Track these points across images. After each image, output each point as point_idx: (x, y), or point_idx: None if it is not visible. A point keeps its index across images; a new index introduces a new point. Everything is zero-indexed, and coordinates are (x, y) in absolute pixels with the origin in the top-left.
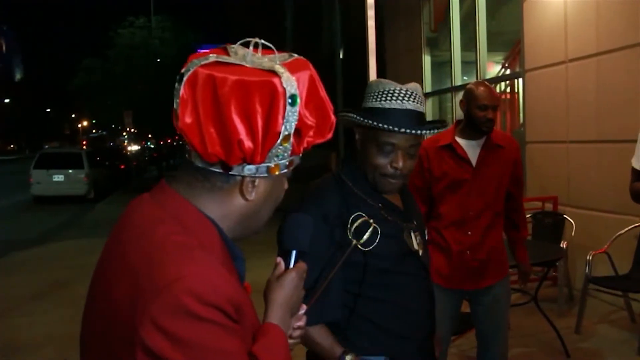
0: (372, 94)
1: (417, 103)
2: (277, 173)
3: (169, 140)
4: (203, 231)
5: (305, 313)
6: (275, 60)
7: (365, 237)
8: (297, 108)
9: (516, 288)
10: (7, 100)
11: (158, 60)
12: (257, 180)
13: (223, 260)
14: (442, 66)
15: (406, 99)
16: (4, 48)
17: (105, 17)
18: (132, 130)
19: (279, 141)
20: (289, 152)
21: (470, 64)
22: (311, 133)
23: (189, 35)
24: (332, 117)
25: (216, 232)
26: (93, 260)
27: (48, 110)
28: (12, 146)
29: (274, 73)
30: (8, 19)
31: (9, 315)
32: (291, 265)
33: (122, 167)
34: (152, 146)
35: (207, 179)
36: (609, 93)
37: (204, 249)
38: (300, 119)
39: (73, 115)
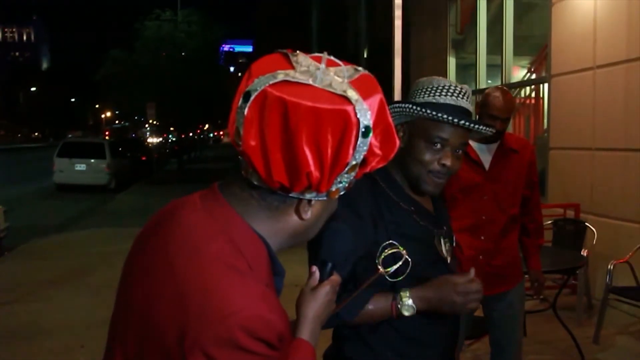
0: (425, 89)
1: (469, 102)
2: (336, 197)
3: (190, 134)
4: (252, 250)
5: (342, 310)
6: (344, 77)
7: (394, 267)
8: (369, 139)
9: (529, 295)
10: (33, 89)
11: (183, 53)
12: (313, 200)
13: (267, 279)
14: (467, 69)
15: (460, 96)
16: (32, 37)
17: (132, 9)
18: (155, 122)
19: (345, 171)
20: (353, 178)
21: (495, 68)
22: (378, 159)
23: (215, 29)
24: (397, 142)
25: (265, 250)
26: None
27: (73, 100)
28: (36, 134)
29: (347, 100)
30: (38, 9)
31: (28, 300)
32: (325, 278)
33: (144, 158)
34: (174, 139)
35: (263, 198)
36: (638, 101)
37: (252, 272)
38: (370, 149)
39: (97, 106)
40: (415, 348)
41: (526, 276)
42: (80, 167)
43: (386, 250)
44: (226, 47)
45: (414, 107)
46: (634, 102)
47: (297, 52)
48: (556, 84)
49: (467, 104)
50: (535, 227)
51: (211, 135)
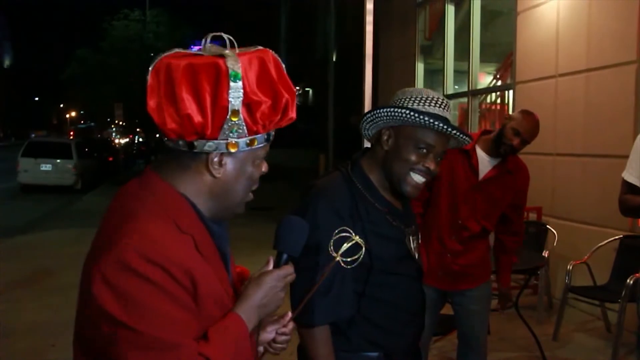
0: (414, 98)
1: (450, 115)
2: (236, 150)
3: (157, 135)
4: (178, 208)
5: (317, 310)
6: (235, 49)
7: (343, 248)
8: (239, 84)
9: (495, 294)
10: None
11: (152, 54)
12: (224, 159)
13: (195, 232)
14: (434, 74)
15: (445, 108)
16: None
17: (99, 8)
18: (121, 122)
19: (228, 116)
20: (245, 129)
21: (462, 74)
22: (264, 109)
23: (184, 30)
24: (286, 95)
25: (191, 209)
26: (80, 249)
27: (36, 98)
28: None
29: (221, 56)
30: None
31: None
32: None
33: (110, 159)
34: (141, 140)
35: (178, 159)
36: (597, 109)
37: (173, 223)
38: (247, 95)
39: (61, 105)
40: (389, 338)
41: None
42: (46, 167)
43: (339, 235)
44: (195, 48)
45: (410, 113)
46: (593, 109)
47: (212, 44)
48: (520, 91)
49: (449, 115)
50: (514, 247)
51: None
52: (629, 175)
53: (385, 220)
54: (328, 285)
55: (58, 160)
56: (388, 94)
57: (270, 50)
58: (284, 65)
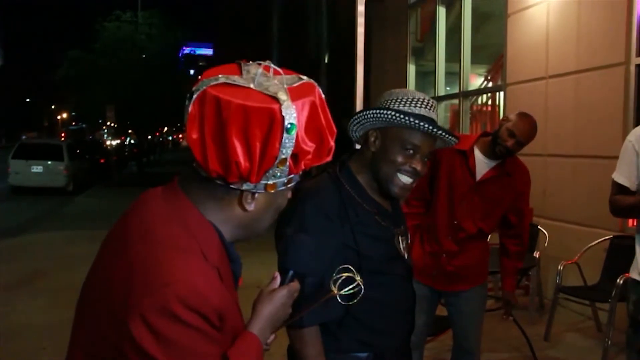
0: (400, 100)
1: (437, 115)
2: (274, 190)
3: (149, 137)
4: (204, 234)
5: (307, 312)
6: (283, 84)
7: (348, 291)
8: (293, 136)
9: (491, 295)
10: None
11: (144, 56)
12: (257, 194)
13: (220, 263)
14: (426, 76)
15: (432, 109)
16: None
17: (91, 9)
18: (113, 124)
19: (275, 164)
20: (287, 173)
21: (453, 75)
22: (309, 157)
23: (176, 32)
24: (331, 142)
25: (216, 235)
26: (71, 252)
27: (27, 100)
28: None
29: (275, 100)
30: None
31: None
32: (285, 284)
33: (102, 161)
34: (133, 142)
35: (211, 190)
36: (587, 110)
37: (202, 254)
38: (297, 145)
39: (53, 107)
40: (379, 338)
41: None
42: (37, 169)
43: (342, 274)
44: (187, 50)
45: (396, 114)
46: (583, 111)
47: (251, 62)
48: (511, 92)
49: (435, 115)
50: (518, 251)
51: (170, 138)
52: (619, 176)
53: (374, 220)
54: (317, 286)
55: (49, 162)
56: (379, 96)
57: (317, 87)
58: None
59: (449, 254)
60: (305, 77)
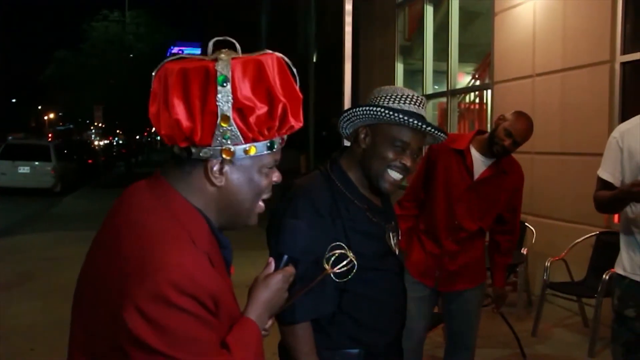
0: (389, 97)
1: (425, 112)
2: (230, 157)
3: (137, 137)
4: (191, 221)
5: (299, 307)
6: (232, 54)
7: (341, 268)
8: (228, 89)
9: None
10: None
11: (132, 55)
12: (225, 168)
13: (210, 249)
14: (414, 74)
15: (421, 106)
16: None
17: (79, 9)
18: (101, 124)
19: (218, 121)
20: (240, 136)
21: (441, 74)
22: (261, 116)
23: (164, 32)
24: (283, 100)
25: (204, 221)
26: (59, 253)
27: (14, 100)
28: None
29: (214, 60)
30: None
31: None
32: (280, 269)
33: (90, 161)
34: (121, 142)
35: (181, 166)
36: (573, 108)
37: (192, 241)
38: (238, 100)
39: (40, 107)
40: (370, 334)
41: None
42: (24, 169)
43: (334, 251)
44: (175, 49)
45: (385, 111)
46: (569, 108)
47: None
48: (498, 90)
49: (424, 112)
50: (509, 247)
51: (158, 138)
52: (603, 172)
53: (365, 217)
54: (312, 269)
55: (36, 163)
56: (368, 94)
57: (278, 55)
58: (294, 71)
59: (451, 254)
60: (269, 52)
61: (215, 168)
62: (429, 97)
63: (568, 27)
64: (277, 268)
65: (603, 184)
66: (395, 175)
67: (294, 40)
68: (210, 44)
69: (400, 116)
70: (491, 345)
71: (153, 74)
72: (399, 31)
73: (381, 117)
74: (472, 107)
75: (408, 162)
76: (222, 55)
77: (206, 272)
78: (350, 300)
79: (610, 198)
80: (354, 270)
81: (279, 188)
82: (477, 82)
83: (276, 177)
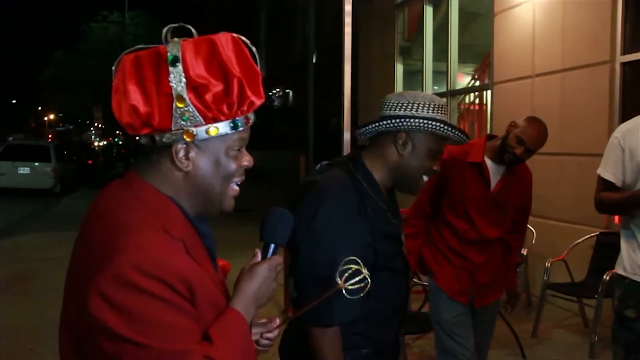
0: (427, 106)
1: None
2: (192, 139)
3: (137, 137)
4: (164, 209)
5: (338, 309)
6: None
7: (354, 285)
8: (179, 68)
9: None
10: None
11: None
12: (190, 152)
13: (186, 237)
14: (413, 75)
15: (445, 113)
16: None
17: (78, 9)
18: (100, 125)
19: (174, 103)
20: (198, 116)
21: (441, 74)
22: (217, 94)
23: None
24: (237, 75)
25: (177, 209)
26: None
27: (13, 101)
28: None
29: (165, 44)
30: None
31: None
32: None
33: (90, 162)
34: (120, 142)
35: (147, 156)
36: (573, 108)
37: (163, 228)
38: (191, 79)
39: (39, 108)
40: (379, 333)
41: None
42: (24, 170)
43: (349, 266)
44: None
45: (441, 126)
46: (569, 109)
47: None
48: (498, 91)
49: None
50: (518, 246)
51: None
52: (605, 172)
53: (386, 217)
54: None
55: (36, 164)
56: (367, 95)
57: (232, 34)
58: (253, 49)
59: (478, 267)
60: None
61: (181, 154)
62: None
63: (568, 28)
64: (264, 258)
65: (604, 184)
66: (424, 180)
67: (293, 41)
68: (164, 31)
69: (450, 130)
70: (491, 346)
71: (113, 68)
72: (398, 32)
73: (431, 128)
74: (471, 107)
75: (437, 166)
76: (174, 39)
77: (176, 257)
78: (366, 300)
79: (621, 200)
80: (367, 289)
81: (280, 190)
82: (477, 83)
83: (247, 160)
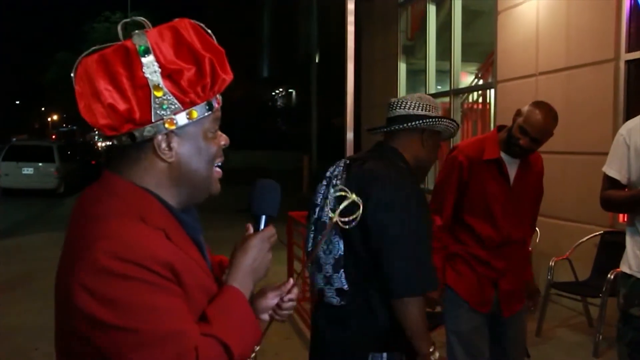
0: (438, 107)
1: None
2: (174, 127)
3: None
4: (139, 201)
5: (429, 277)
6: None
7: (340, 207)
8: (152, 58)
9: None
10: None
11: None
12: (172, 142)
13: (168, 227)
14: (417, 74)
15: None
16: None
17: (80, 10)
18: None
19: (152, 93)
20: (177, 103)
21: (444, 73)
22: (191, 77)
23: None
24: (208, 55)
25: (157, 202)
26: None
27: (17, 102)
28: None
29: (130, 38)
30: None
31: None
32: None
33: (93, 162)
34: None
35: (128, 154)
36: (577, 107)
37: (140, 218)
38: (164, 67)
39: (43, 109)
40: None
41: None
42: (28, 170)
43: (343, 201)
44: None
45: (452, 125)
46: (573, 107)
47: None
48: (502, 90)
49: None
50: (531, 237)
51: None
52: (610, 169)
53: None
54: (425, 253)
55: (40, 164)
56: (371, 94)
57: (188, 19)
58: (209, 31)
59: (502, 272)
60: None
61: (164, 145)
62: (432, 96)
63: (572, 25)
64: (255, 231)
65: (610, 182)
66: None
67: (296, 41)
68: (119, 27)
69: (455, 127)
70: None
71: (72, 75)
72: (401, 31)
73: (446, 128)
74: (475, 106)
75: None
76: (136, 31)
77: (153, 242)
78: None
79: (627, 198)
80: (359, 212)
81: (283, 190)
82: (480, 82)
83: (223, 140)
